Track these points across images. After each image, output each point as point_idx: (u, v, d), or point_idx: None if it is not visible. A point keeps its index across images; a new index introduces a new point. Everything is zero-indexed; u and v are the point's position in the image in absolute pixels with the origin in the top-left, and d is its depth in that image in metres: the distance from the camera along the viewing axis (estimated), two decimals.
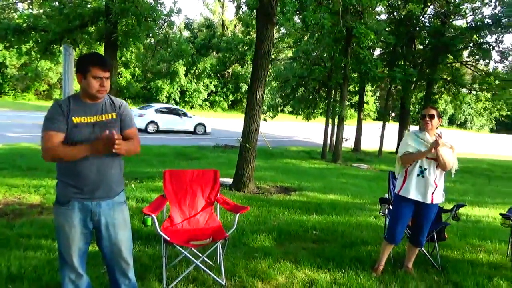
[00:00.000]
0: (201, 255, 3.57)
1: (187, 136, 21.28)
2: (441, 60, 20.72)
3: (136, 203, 6.33)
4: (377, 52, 23.06)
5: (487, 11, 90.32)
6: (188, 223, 3.98)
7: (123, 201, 2.78)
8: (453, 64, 22.38)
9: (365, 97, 29.31)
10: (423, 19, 21.11)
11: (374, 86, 31.61)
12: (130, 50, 14.39)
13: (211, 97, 44.64)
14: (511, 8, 18.24)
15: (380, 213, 4.55)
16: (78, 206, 2.57)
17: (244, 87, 43.61)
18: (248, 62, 20.20)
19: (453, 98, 24.01)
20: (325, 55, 17.94)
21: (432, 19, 21.20)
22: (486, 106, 24.02)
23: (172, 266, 3.83)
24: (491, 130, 61.75)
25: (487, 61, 21.96)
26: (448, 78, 22.59)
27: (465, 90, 23.36)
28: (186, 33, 41.20)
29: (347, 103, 18.31)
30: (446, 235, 4.61)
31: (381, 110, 38.10)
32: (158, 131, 21.73)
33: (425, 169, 3.88)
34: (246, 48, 18.78)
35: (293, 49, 20.36)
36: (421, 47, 22.68)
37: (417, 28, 21.14)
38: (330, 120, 18.51)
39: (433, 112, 3.90)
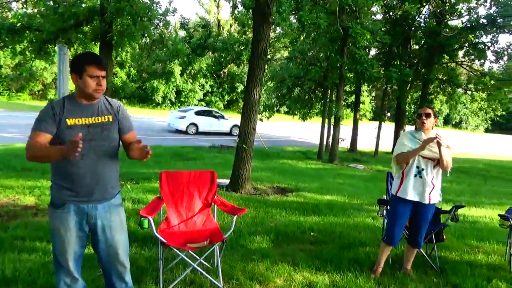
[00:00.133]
0: (198, 258, 3.53)
1: (183, 137, 21.21)
2: (436, 60, 20.75)
3: (132, 204, 6.27)
4: (373, 52, 23.11)
5: (482, 11, 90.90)
6: (185, 225, 3.93)
7: (120, 203, 2.74)
8: (449, 64, 22.43)
9: (361, 97, 29.34)
10: (418, 19, 21.15)
11: (370, 86, 31.64)
12: (125, 50, 14.29)
13: (207, 97, 44.58)
14: (506, 8, 18.31)
15: (379, 215, 4.52)
16: (73, 209, 2.52)
17: (240, 87, 43.60)
18: (244, 62, 20.16)
19: (449, 98, 24.06)
20: (321, 55, 17.91)
21: (428, 19, 21.22)
22: (481, 106, 24.09)
23: (169, 268, 3.79)
24: (486, 130, 62.06)
25: (482, 61, 22.02)
26: (444, 78, 22.64)
27: (460, 90, 23.43)
28: (182, 33, 41.13)
29: (343, 103, 18.28)
30: (444, 237, 4.59)
31: (377, 110, 38.18)
32: (197, 133, 22.61)
33: (423, 169, 3.87)
34: (242, 48, 18.71)
35: (289, 49, 20.32)
36: (417, 47, 22.72)
37: (413, 28, 21.16)
38: (326, 120, 18.50)
39: (430, 111, 3.91)
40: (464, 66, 23.55)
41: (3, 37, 10.55)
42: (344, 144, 19.92)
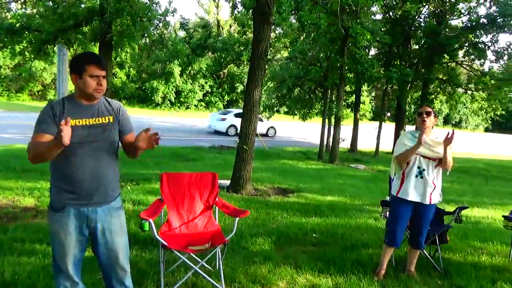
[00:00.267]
0: (200, 260, 3.48)
1: (183, 137, 21.17)
2: (437, 60, 20.73)
3: (132, 206, 6.23)
4: (373, 52, 23.08)
5: (482, 10, 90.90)
6: (186, 227, 3.88)
7: (120, 206, 2.70)
8: (449, 64, 22.40)
9: (361, 97, 29.31)
10: (418, 19, 21.12)
11: (370, 86, 31.59)
12: (125, 51, 14.25)
13: (207, 97, 44.53)
14: (507, 7, 18.27)
15: (382, 216, 4.48)
16: (73, 213, 2.47)
17: (240, 87, 43.56)
18: (245, 63, 20.16)
19: (449, 98, 24.04)
20: (321, 55, 17.87)
21: (428, 19, 21.19)
22: (482, 105, 24.07)
23: (170, 271, 3.74)
24: (486, 130, 62.03)
25: (482, 60, 22.00)
26: (444, 78, 22.61)
27: (460, 90, 23.39)
28: (181, 33, 41.15)
29: (343, 103, 18.24)
30: (448, 238, 4.55)
31: (377, 110, 38.15)
32: (237, 134, 22.51)
33: (424, 169, 3.84)
34: (242, 48, 18.70)
35: (289, 49, 20.31)
36: (417, 47, 22.67)
37: (413, 28, 21.12)
38: (326, 120, 18.46)
39: (430, 109, 3.90)
40: (464, 66, 23.52)
41: (2, 38, 10.54)
42: (345, 144, 19.89)
